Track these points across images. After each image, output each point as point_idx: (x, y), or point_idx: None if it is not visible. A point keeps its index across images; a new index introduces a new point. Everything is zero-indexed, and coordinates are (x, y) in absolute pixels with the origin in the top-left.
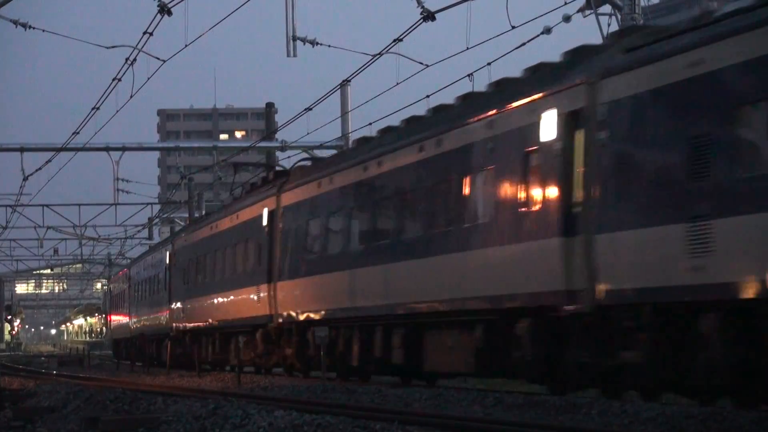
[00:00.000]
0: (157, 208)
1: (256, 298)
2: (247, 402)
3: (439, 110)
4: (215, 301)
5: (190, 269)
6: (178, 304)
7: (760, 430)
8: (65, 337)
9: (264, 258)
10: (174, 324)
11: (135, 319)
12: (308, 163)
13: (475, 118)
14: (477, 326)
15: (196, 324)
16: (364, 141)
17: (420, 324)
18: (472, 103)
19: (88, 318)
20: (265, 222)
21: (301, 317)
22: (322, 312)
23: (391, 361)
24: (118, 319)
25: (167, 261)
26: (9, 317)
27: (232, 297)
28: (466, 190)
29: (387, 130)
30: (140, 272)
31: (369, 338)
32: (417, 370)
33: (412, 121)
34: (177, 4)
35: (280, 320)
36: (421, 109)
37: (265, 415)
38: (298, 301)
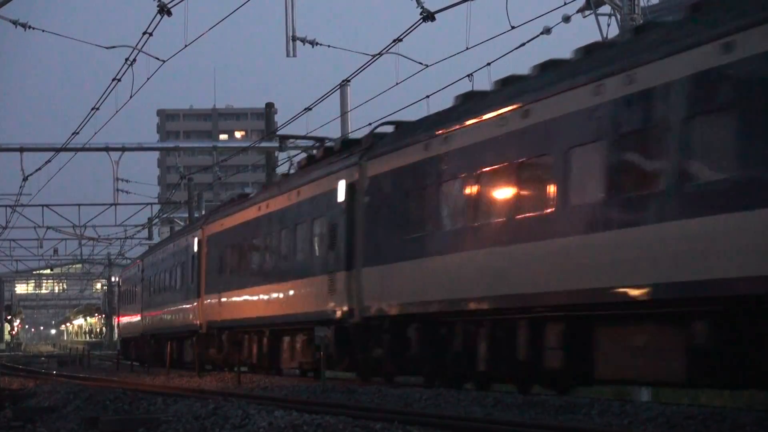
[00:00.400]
0: (156, 208)
1: (327, 289)
2: (247, 402)
3: (593, 50)
4: (266, 294)
5: (229, 257)
6: (213, 298)
7: (760, 430)
8: (65, 337)
9: (341, 240)
10: (205, 320)
11: (150, 316)
12: (389, 129)
13: (708, 37)
14: (697, 319)
15: (237, 320)
16: (470, 96)
17: (589, 318)
18: (675, 27)
19: (88, 318)
20: (341, 197)
21: (397, 311)
22: (433, 304)
23: (543, 365)
24: (127, 316)
25: (195, 249)
26: (9, 317)
27: (291, 289)
28: (700, 133)
29: (508, 81)
30: (157, 263)
31: (507, 336)
32: (583, 376)
33: (550, 66)
34: (177, 4)
35: (366, 315)
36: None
37: (265, 415)
38: (393, 292)
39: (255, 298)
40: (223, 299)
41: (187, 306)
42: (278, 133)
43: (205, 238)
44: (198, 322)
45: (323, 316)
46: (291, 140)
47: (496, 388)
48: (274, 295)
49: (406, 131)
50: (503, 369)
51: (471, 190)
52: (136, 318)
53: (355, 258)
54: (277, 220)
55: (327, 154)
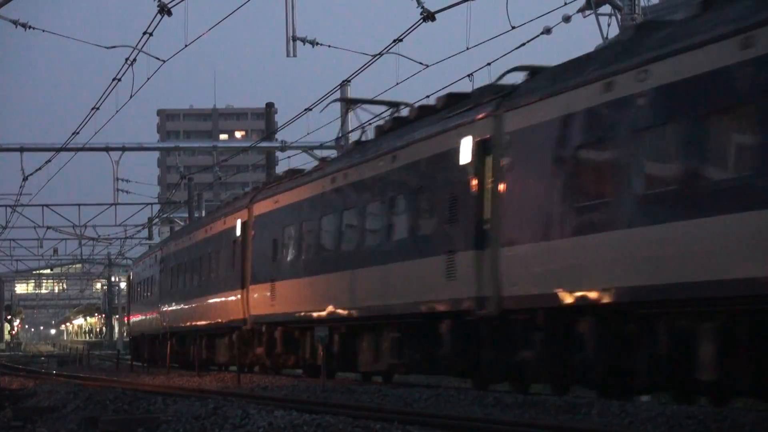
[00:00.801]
0: (156, 208)
1: (443, 273)
2: (247, 402)
3: None
4: (345, 281)
5: (289, 239)
6: (262, 289)
7: (760, 430)
8: (65, 337)
9: (465, 211)
10: (251, 314)
11: (172, 312)
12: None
13: None
14: None
15: (298, 314)
16: (649, 26)
17: None
18: None
19: (87, 318)
20: (466, 158)
21: (561, 300)
22: (624, 291)
23: None
24: (140, 312)
25: (238, 232)
26: (9, 317)
27: (384, 274)
28: None
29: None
30: (182, 252)
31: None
32: None
33: None
34: (177, 4)
35: (507, 307)
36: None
37: (265, 415)
38: (556, 277)
39: (327, 287)
40: (279, 290)
41: (227, 299)
42: (346, 98)
43: (251, 219)
44: (242, 317)
45: (434, 307)
46: (359, 105)
47: (495, 387)
48: (357, 283)
49: (558, 74)
50: (750, 378)
51: (693, 137)
52: (153, 314)
53: (487, 234)
54: (362, 191)
55: (424, 114)
